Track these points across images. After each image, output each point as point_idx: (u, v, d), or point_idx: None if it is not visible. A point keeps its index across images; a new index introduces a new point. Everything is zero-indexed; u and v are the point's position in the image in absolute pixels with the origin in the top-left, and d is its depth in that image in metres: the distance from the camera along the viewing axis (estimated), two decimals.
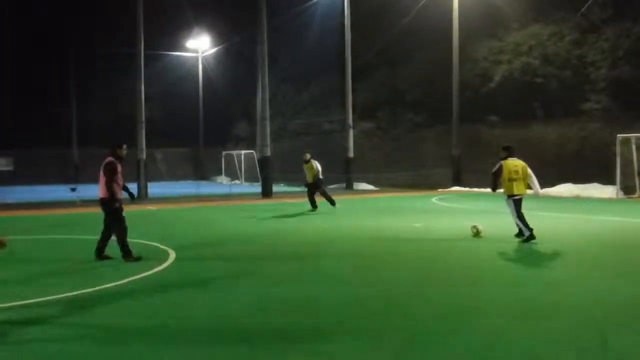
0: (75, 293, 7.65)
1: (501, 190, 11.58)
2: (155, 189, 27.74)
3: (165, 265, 9.60)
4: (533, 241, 11.23)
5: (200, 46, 47.61)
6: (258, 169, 29.08)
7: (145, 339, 5.79)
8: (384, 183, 31.42)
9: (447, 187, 29.31)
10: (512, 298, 7.20)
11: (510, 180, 11.32)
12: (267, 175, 26.67)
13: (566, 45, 28.48)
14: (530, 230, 11.25)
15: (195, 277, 8.77)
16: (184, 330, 6.02)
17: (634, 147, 22.58)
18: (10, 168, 31.11)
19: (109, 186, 9.69)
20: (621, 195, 22.59)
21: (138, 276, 8.65)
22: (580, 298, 7.22)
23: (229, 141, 43.89)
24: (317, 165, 19.08)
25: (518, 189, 11.37)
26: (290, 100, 40.39)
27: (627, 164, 22.53)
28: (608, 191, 23.34)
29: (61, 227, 15.87)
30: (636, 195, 22.40)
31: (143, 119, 26.92)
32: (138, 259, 9.84)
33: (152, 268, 9.21)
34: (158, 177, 40.89)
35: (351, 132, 31.24)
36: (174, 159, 47.48)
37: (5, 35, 34.02)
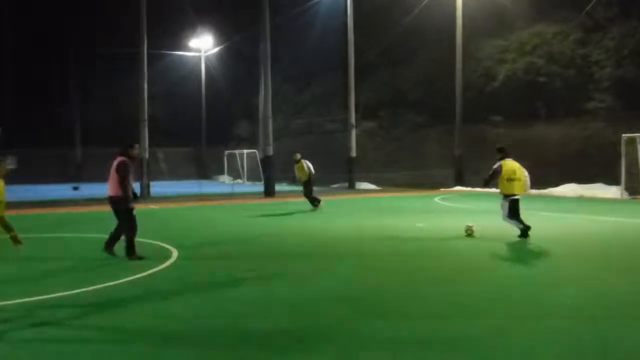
0: (76, 291, 7.62)
1: (495, 190, 11.59)
2: (157, 188, 27.70)
3: (167, 264, 9.59)
4: (527, 239, 11.38)
5: (202, 46, 47.61)
6: (260, 168, 29.04)
7: (147, 339, 5.76)
8: (386, 183, 31.35)
9: (449, 187, 29.23)
10: (513, 298, 7.15)
11: (509, 180, 11.38)
12: (269, 174, 26.62)
13: (570, 44, 28.38)
14: (525, 226, 11.46)
15: (197, 276, 8.77)
16: (186, 330, 5.98)
17: (639, 147, 22.46)
18: (13, 167, 31.10)
19: (123, 185, 9.77)
20: (626, 195, 22.47)
21: (140, 275, 8.64)
22: (581, 298, 7.18)
23: (231, 140, 43.86)
24: (307, 164, 19.12)
25: (517, 188, 11.45)
26: (292, 100, 40.34)
27: (631, 164, 22.40)
28: (612, 191, 23.23)
29: (63, 225, 15.86)
30: None
31: (146, 118, 26.90)
32: (141, 258, 9.86)
33: (155, 267, 9.21)
34: (160, 177, 40.88)
35: (354, 132, 31.19)
36: (176, 159, 47.47)
37: (5, 35, 34.03)
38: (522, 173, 11.53)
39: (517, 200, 11.51)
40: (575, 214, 17.21)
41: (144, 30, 26.97)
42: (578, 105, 26.94)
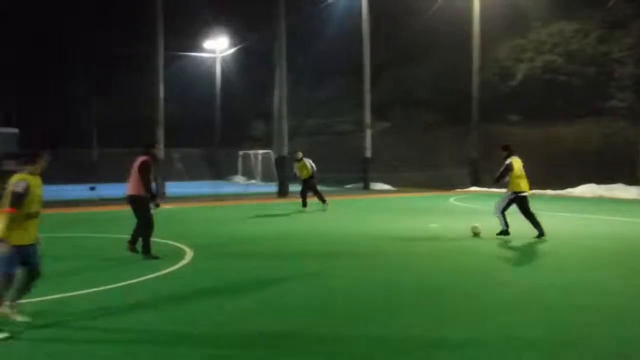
0: (90, 290, 7.60)
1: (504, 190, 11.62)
2: (172, 188, 27.75)
3: (182, 263, 9.58)
4: (506, 237, 11.58)
5: (217, 47, 47.71)
6: (275, 168, 28.96)
7: (160, 338, 5.71)
8: (401, 183, 31.15)
9: (465, 188, 28.97)
10: (525, 300, 7.07)
11: (519, 177, 11.43)
12: (284, 174, 26.55)
13: (591, 42, 27.97)
14: (507, 226, 11.60)
15: (212, 276, 8.76)
16: (199, 329, 5.94)
17: None
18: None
19: (144, 184, 9.80)
20: None
21: (155, 274, 8.63)
22: (597, 298, 7.09)
23: (245, 141, 43.83)
24: (310, 163, 19.15)
25: (526, 186, 11.49)
26: (306, 100, 40.18)
27: None
28: (633, 192, 22.86)
29: (80, 225, 15.90)
30: None
31: (162, 119, 26.93)
32: (156, 257, 9.86)
33: (170, 266, 9.20)
34: (175, 177, 40.96)
35: (369, 132, 31.01)
36: (191, 159, 47.49)
37: (22, 35, 34.26)
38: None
39: (526, 198, 11.51)
40: (594, 214, 16.94)
41: (160, 32, 27.02)
42: (598, 104, 26.55)
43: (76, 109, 44.72)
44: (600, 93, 26.67)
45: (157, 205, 10.22)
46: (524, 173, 11.50)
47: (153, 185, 10.31)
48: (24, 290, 6.00)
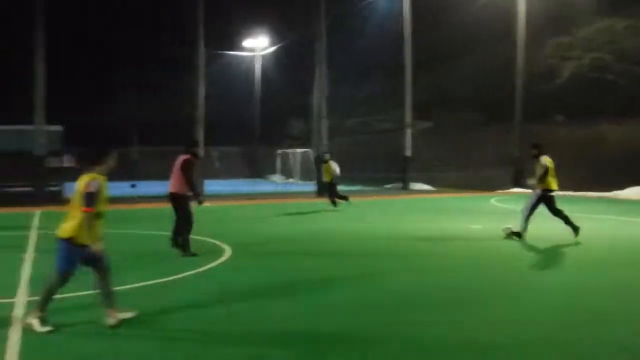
0: (128, 287, 7.60)
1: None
2: (211, 186, 27.97)
3: (220, 260, 9.59)
4: (517, 238, 11.37)
5: (257, 45, 47.90)
6: (314, 167, 28.88)
7: (198, 336, 5.67)
8: (441, 183, 30.71)
9: (507, 189, 28.36)
10: (561, 304, 6.87)
11: (550, 176, 11.28)
12: (322, 173, 26.39)
13: None
14: (525, 230, 11.35)
15: (250, 274, 8.73)
16: (238, 327, 5.90)
17: None
18: (73, 165, 31.95)
19: (186, 183, 9.86)
20: None
21: (194, 271, 8.64)
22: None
23: (284, 139, 43.90)
24: (334, 166, 19.10)
25: (554, 185, 11.34)
26: (346, 99, 39.96)
27: None
28: None
29: (120, 222, 16.05)
30: None
31: (202, 117, 27.11)
32: (194, 254, 9.86)
33: (208, 264, 9.21)
34: (214, 175, 41.29)
35: (409, 131, 30.66)
36: (230, 157, 47.87)
37: (62, 35, 34.78)
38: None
39: (553, 197, 11.34)
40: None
41: (201, 31, 27.20)
42: None
43: (118, 107, 45.39)
44: None
45: (201, 203, 10.26)
46: (554, 172, 11.35)
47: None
48: (108, 292, 5.91)
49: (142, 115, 46.21)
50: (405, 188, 30.03)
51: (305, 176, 35.88)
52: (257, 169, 47.34)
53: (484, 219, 15.93)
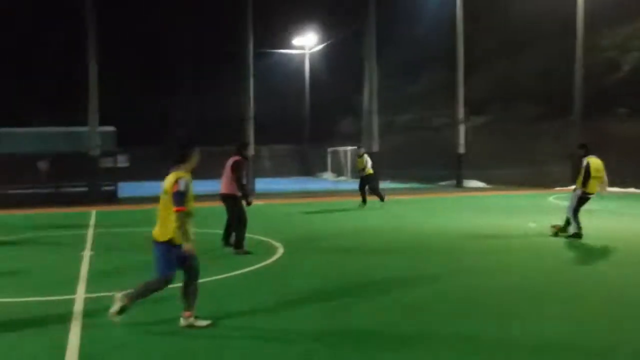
0: (175, 286, 7.53)
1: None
2: (261, 184, 28.07)
3: (274, 258, 9.66)
4: (579, 240, 11.06)
5: (307, 43, 47.84)
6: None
7: (253, 332, 5.65)
8: (496, 180, 29.91)
9: (566, 186, 27.35)
10: (625, 300, 6.65)
11: (594, 177, 11.11)
12: (374, 171, 26.08)
13: None
14: (580, 229, 11.18)
15: (303, 271, 8.81)
16: (294, 324, 5.90)
17: None
18: (126, 164, 32.61)
19: (239, 183, 9.99)
20: None
21: (248, 269, 8.70)
22: None
23: (334, 137, 43.67)
24: (368, 161, 18.98)
25: (594, 188, 11.18)
26: (398, 95, 39.45)
27: None
28: None
29: None
30: None
31: (252, 115, 27.17)
32: (248, 252, 9.93)
33: (262, 261, 9.28)
34: (264, 173, 41.48)
35: (462, 127, 29.98)
36: (280, 156, 47.99)
37: (113, 33, 35.38)
38: (604, 171, 11.32)
39: (587, 199, 11.22)
40: None
41: (249, 29, 27.27)
42: None
43: (169, 106, 46.07)
44: None
45: (249, 204, 10.31)
46: (599, 174, 11.15)
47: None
48: (192, 293, 5.84)
49: (193, 115, 46.80)
50: (459, 185, 29.38)
51: (356, 174, 35.59)
52: (308, 167, 47.29)
53: (541, 217, 15.32)
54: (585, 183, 11.04)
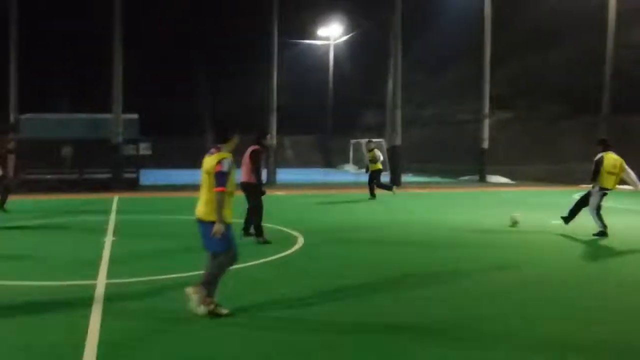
0: (196, 273, 7.51)
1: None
2: (283, 175, 28.04)
3: (294, 249, 9.68)
4: (604, 238, 10.94)
5: (331, 34, 47.58)
6: (387, 158, 28.40)
7: (273, 323, 5.61)
8: (520, 176, 29.53)
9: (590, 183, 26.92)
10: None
11: (610, 173, 11.03)
12: (396, 164, 25.96)
13: None
14: (605, 227, 11.10)
15: (322, 262, 8.81)
16: (313, 315, 5.87)
17: None
18: (149, 152, 32.78)
19: (255, 172, 10.03)
20: None
21: (268, 259, 8.72)
22: None
23: (357, 129, 43.47)
24: (379, 154, 19.19)
25: (612, 183, 11.11)
26: (422, 89, 39.11)
27: None
28: None
29: (191, 209, 16.23)
30: None
31: (275, 106, 27.13)
32: (268, 242, 10.00)
33: (282, 251, 9.29)
34: (286, 164, 41.48)
35: (487, 122, 29.63)
36: (302, 147, 47.97)
37: (138, 24, 35.49)
38: (623, 167, 11.21)
39: (604, 195, 11.19)
40: None
41: (274, 19, 27.19)
42: None
43: (192, 95, 46.23)
44: None
45: (263, 193, 10.32)
46: (617, 170, 11.07)
47: (264, 171, 10.40)
48: (214, 277, 5.82)
49: (216, 104, 46.94)
50: (482, 180, 29.07)
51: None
52: (330, 159, 47.19)
53: (565, 214, 15.06)
54: (595, 177, 11.01)
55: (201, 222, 5.70)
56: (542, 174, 28.43)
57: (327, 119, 48.61)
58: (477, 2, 30.41)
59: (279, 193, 20.91)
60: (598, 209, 11.17)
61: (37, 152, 21.14)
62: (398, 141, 25.88)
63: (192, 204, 17.19)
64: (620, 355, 4.93)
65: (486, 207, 17.39)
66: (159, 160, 35.17)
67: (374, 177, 19.17)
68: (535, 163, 29.15)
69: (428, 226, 12.74)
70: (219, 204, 5.51)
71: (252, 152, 10.07)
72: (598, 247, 10.36)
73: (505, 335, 5.36)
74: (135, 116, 24.59)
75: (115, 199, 18.66)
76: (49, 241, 10.71)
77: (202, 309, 5.63)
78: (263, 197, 10.26)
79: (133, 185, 23.23)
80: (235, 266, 7.80)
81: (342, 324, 5.63)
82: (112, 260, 8.53)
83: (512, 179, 29.53)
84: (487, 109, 29.69)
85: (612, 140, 26.00)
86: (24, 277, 7.49)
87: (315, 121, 47.22)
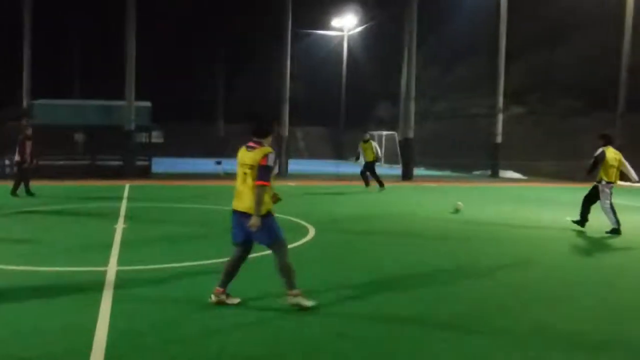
0: (211, 262, 7.66)
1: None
2: (294, 166, 28.00)
3: (305, 240, 9.67)
4: (617, 235, 10.86)
5: (346, 25, 47.30)
6: (399, 151, 28.27)
7: (280, 313, 5.59)
8: (534, 172, 29.29)
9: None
10: None
11: (612, 167, 11.07)
12: (408, 157, 25.82)
13: None
14: (619, 224, 11.01)
15: (333, 253, 8.79)
16: (324, 304, 5.83)
17: None
18: (160, 140, 32.89)
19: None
20: None
21: None
22: None
23: (370, 122, 43.29)
24: (376, 146, 19.59)
25: (616, 176, 11.17)
26: (436, 82, 38.85)
27: None
28: None
29: (205, 198, 16.26)
30: None
31: (287, 97, 27.02)
32: None
33: (294, 242, 9.18)
34: (297, 155, 41.42)
35: (500, 117, 29.38)
36: (314, 138, 47.87)
37: (154, 9, 35.38)
38: (622, 162, 11.26)
39: (612, 189, 11.22)
40: None
41: (288, 9, 27.02)
42: None
43: (206, 85, 46.23)
44: None
45: None
46: (617, 164, 11.12)
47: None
48: (233, 268, 5.90)
49: (229, 93, 46.91)
50: (494, 176, 28.88)
51: (390, 159, 35.29)
52: (341, 150, 47.05)
53: (579, 211, 14.92)
54: (591, 171, 11.10)
55: (246, 215, 5.61)
56: (556, 170, 28.19)
57: (339, 111, 48.44)
58: None
59: (290, 184, 20.93)
60: (612, 204, 11.10)
61: (49, 138, 21.18)
62: (411, 134, 25.74)
63: (203, 192, 17.35)
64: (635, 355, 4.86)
65: (497, 202, 17.26)
66: (171, 149, 35.24)
67: (368, 168, 19.38)
68: (548, 159, 28.90)
69: (439, 219, 12.68)
70: (260, 198, 5.49)
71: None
72: (610, 244, 10.26)
73: (519, 330, 5.31)
74: (147, 104, 24.57)
75: (127, 186, 18.71)
76: (60, 227, 10.74)
77: (308, 302, 5.68)
78: (284, 188, 10.25)
79: (145, 172, 23.27)
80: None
81: (353, 315, 5.61)
82: (123, 247, 8.55)
83: (524, 174, 29.32)
84: (501, 104, 29.45)
85: (627, 136, 25.85)
86: (35, 263, 7.50)
87: (328, 113, 47.05)
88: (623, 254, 9.52)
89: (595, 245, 10.25)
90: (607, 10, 28.62)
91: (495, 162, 29.12)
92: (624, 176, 11.49)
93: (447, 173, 30.71)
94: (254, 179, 5.55)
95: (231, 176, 21.59)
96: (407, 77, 26.23)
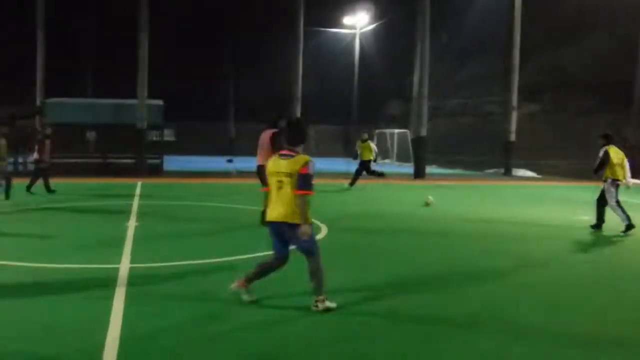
0: (222, 260, 7.67)
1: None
2: None
3: (317, 238, 9.30)
4: (630, 232, 10.79)
5: (358, 22, 47.16)
6: (411, 149, 28.12)
7: (293, 312, 5.55)
8: (547, 171, 29.06)
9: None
10: None
11: (617, 165, 11.09)
12: (420, 156, 25.68)
13: None
14: (629, 219, 10.92)
15: (346, 251, 8.75)
16: (340, 302, 5.75)
17: None
18: (172, 138, 33.04)
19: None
20: None
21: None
22: None
23: (381, 119, 43.17)
24: (374, 146, 19.80)
25: (621, 174, 11.12)
26: (448, 79, 38.63)
27: None
28: None
29: (216, 196, 16.27)
30: None
31: (299, 95, 27.01)
32: None
33: None
34: (308, 153, 41.24)
35: (514, 115, 29.13)
36: (325, 136, 47.75)
37: (165, 7, 35.45)
38: (624, 161, 11.32)
39: (618, 187, 11.19)
40: None
41: (300, 7, 27.00)
42: None
43: (217, 83, 46.26)
44: None
45: None
46: (621, 162, 11.15)
47: None
48: (263, 271, 5.88)
49: (240, 92, 46.92)
50: (507, 174, 28.67)
51: (401, 158, 35.18)
52: (353, 149, 46.91)
53: (592, 210, 14.76)
54: (598, 170, 11.10)
55: (285, 224, 5.53)
56: (570, 169, 27.94)
57: (351, 109, 48.31)
58: None
59: None
60: (618, 201, 11.06)
61: (62, 136, 21.26)
62: (423, 132, 25.58)
63: (215, 190, 17.44)
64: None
65: (511, 201, 17.15)
66: (183, 147, 35.34)
67: (364, 167, 19.41)
68: (562, 157, 28.66)
69: (450, 218, 12.59)
70: (304, 206, 5.42)
71: (273, 134, 9.99)
72: (625, 244, 10.16)
73: (532, 329, 5.23)
74: (159, 102, 24.62)
75: (139, 184, 18.75)
76: (72, 224, 10.76)
77: (332, 304, 5.63)
78: None
79: (156, 170, 23.33)
80: (256, 254, 7.83)
81: (365, 314, 5.58)
82: (135, 245, 8.56)
83: (538, 173, 29.09)
84: (515, 102, 29.21)
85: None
86: (48, 259, 7.52)
87: (339, 110, 46.92)
88: (638, 253, 9.40)
89: (610, 245, 10.15)
90: (621, 8, 28.36)
91: (509, 160, 28.90)
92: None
93: (459, 171, 30.53)
94: (292, 188, 5.42)
95: (242, 174, 21.73)
96: (420, 75, 26.08)
